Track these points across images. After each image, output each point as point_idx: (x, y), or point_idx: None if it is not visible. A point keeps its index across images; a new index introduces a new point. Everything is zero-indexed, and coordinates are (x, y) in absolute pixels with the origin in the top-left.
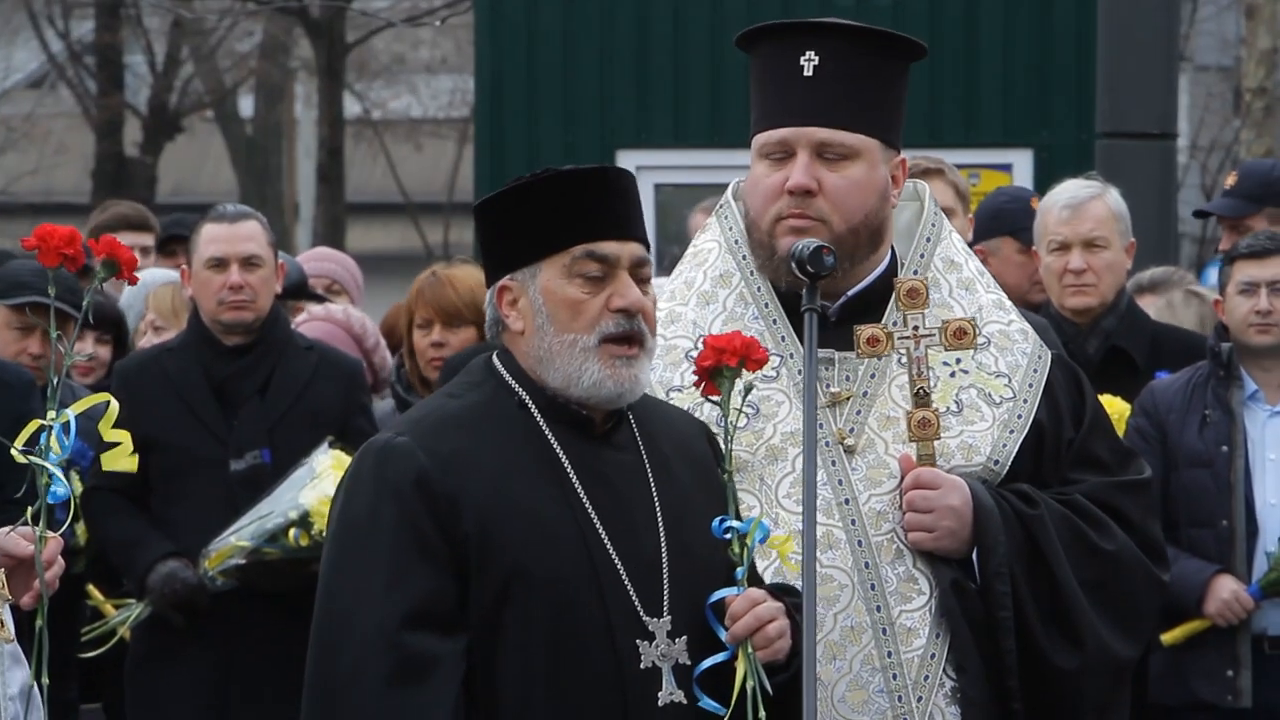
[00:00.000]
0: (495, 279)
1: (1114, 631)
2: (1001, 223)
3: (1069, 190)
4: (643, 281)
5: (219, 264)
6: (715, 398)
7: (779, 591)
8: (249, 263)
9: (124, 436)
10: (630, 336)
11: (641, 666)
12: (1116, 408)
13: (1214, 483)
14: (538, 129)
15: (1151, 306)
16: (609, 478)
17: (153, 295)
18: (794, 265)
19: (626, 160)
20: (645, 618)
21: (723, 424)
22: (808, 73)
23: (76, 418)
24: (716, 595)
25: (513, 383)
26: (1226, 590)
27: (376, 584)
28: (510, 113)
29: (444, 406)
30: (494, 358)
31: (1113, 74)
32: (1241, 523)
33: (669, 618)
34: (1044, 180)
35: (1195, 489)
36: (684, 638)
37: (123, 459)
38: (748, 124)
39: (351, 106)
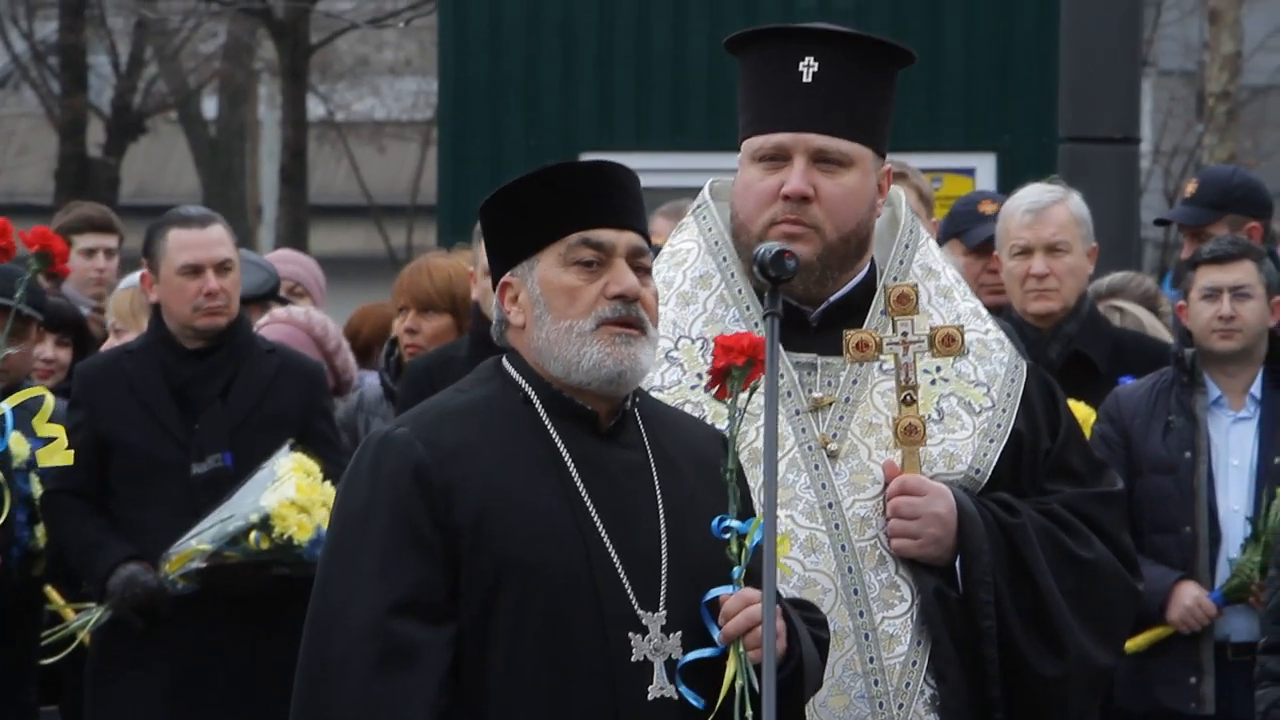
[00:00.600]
0: (498, 278)
1: (1093, 640)
2: (949, 224)
3: (1031, 195)
4: (642, 272)
5: (194, 270)
6: (726, 399)
7: (794, 605)
8: (222, 268)
9: (58, 431)
10: (628, 321)
11: (632, 660)
12: (1080, 413)
13: (1177, 489)
14: (501, 131)
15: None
16: (611, 473)
17: (113, 298)
18: (756, 269)
19: None
20: (639, 611)
21: (729, 424)
22: (806, 79)
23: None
24: (712, 593)
25: (519, 379)
26: (1189, 597)
27: (368, 573)
28: (474, 115)
29: (447, 401)
30: (503, 358)
31: (1075, 78)
32: (1204, 529)
33: (664, 613)
34: (1007, 184)
35: (1158, 495)
36: (679, 633)
37: (58, 454)
38: (709, 127)
39: (315, 108)
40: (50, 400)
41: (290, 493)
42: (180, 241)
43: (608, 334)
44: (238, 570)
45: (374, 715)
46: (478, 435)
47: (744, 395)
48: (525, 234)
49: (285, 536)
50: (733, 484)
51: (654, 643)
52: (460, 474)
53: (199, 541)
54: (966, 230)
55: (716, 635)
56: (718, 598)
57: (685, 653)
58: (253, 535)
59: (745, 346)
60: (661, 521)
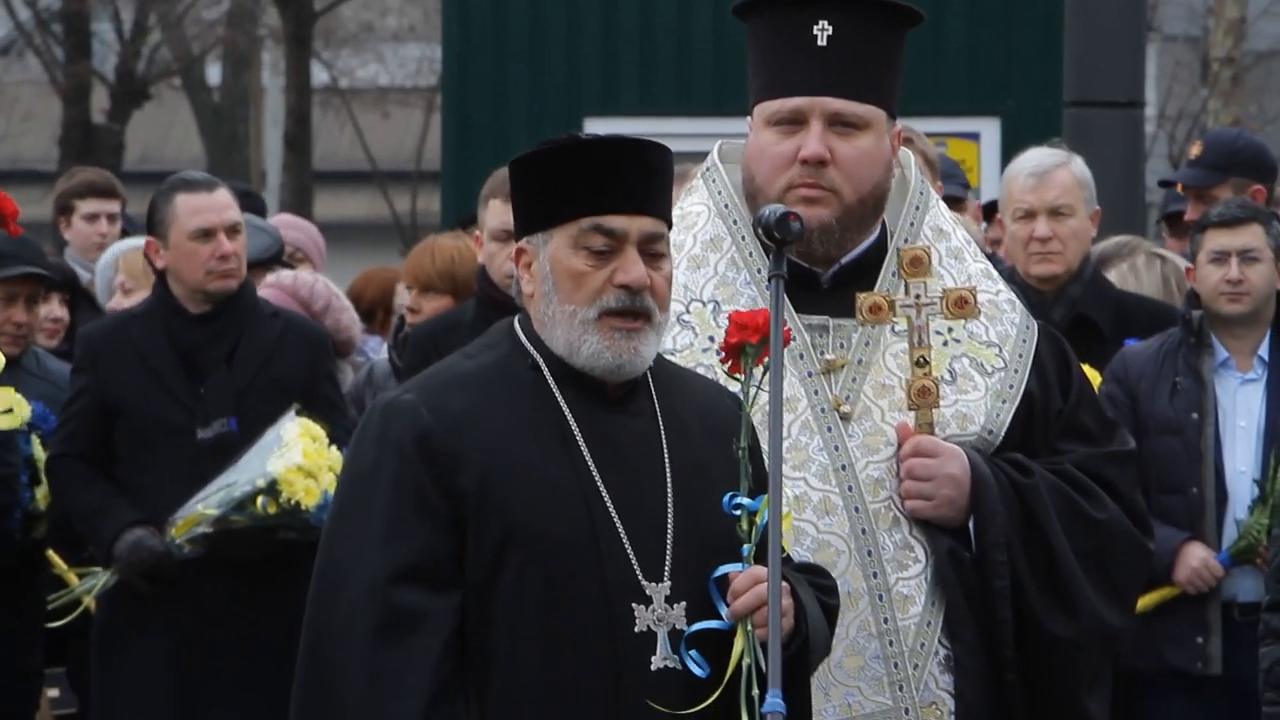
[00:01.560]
0: (518, 239)
1: (1106, 601)
2: None
3: (1034, 158)
4: (656, 257)
5: (206, 234)
6: (739, 375)
7: (802, 570)
8: (233, 230)
9: (6, 393)
10: (632, 312)
11: (636, 630)
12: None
13: (1184, 450)
14: (505, 97)
15: (1114, 272)
16: (618, 442)
17: (124, 258)
18: (760, 231)
19: (593, 128)
20: (644, 582)
21: (741, 400)
22: (821, 42)
23: (45, 385)
24: (720, 570)
25: (528, 345)
26: (1196, 558)
27: (374, 538)
28: (477, 81)
29: (455, 366)
30: (515, 321)
31: (1080, 42)
32: (1211, 490)
33: (669, 583)
34: (1011, 149)
35: (1165, 456)
36: (683, 604)
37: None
38: (714, 93)
39: (319, 75)
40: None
41: (297, 458)
42: (190, 206)
43: (609, 326)
44: (244, 535)
45: (378, 680)
46: (485, 402)
47: (757, 372)
48: (543, 206)
49: (292, 501)
50: (745, 461)
51: (658, 613)
52: (466, 441)
53: (205, 506)
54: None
55: (724, 612)
56: (726, 574)
57: (690, 624)
58: (260, 500)
59: (760, 324)
60: (669, 491)
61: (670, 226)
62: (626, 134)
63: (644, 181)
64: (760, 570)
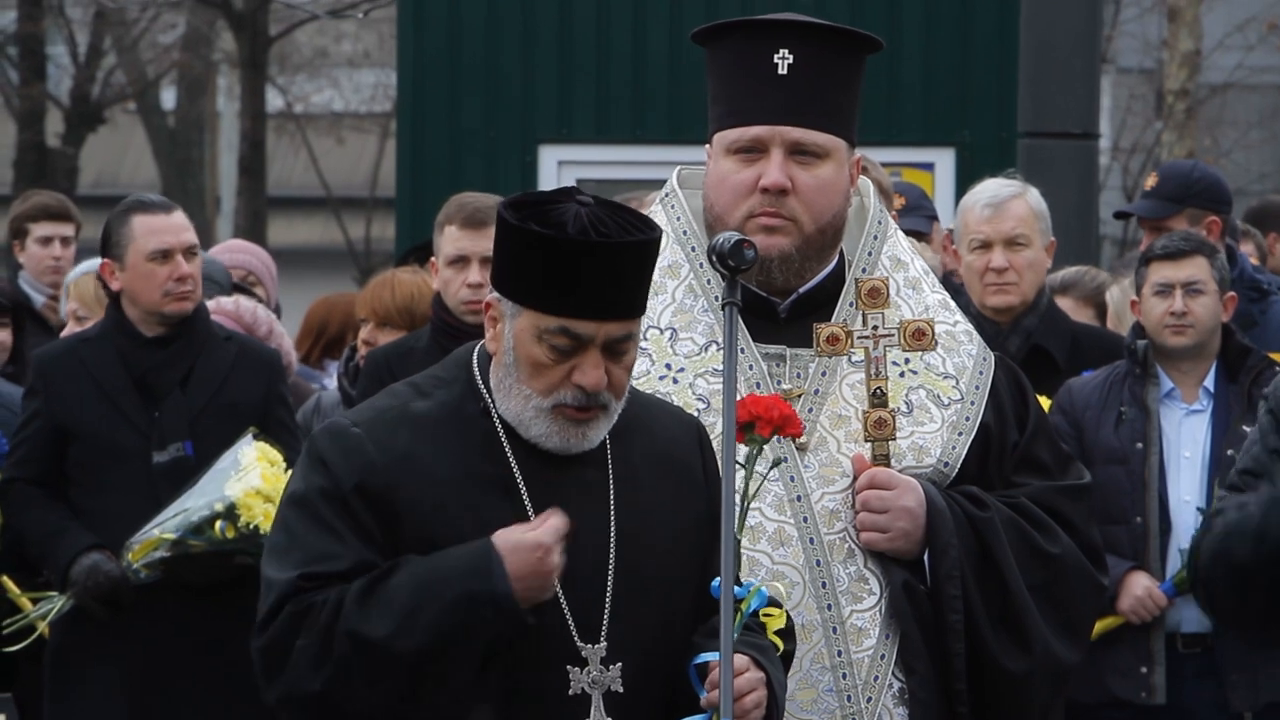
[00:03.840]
0: (493, 283)
1: (1058, 635)
2: None
3: (990, 189)
4: (619, 354)
5: (164, 255)
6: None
7: (751, 647)
8: (190, 252)
9: None
10: (585, 408)
11: (570, 693)
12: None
13: (1129, 479)
14: (460, 124)
15: (1116, 289)
16: (563, 495)
17: (74, 284)
18: (714, 259)
19: (548, 155)
20: (580, 643)
21: (742, 488)
22: (782, 70)
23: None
24: (701, 658)
25: (482, 388)
26: (1140, 587)
27: (311, 558)
28: (432, 107)
29: (408, 404)
30: (474, 354)
31: (1035, 74)
32: (1155, 520)
33: (605, 644)
34: (965, 179)
35: (1110, 485)
36: (619, 665)
37: None
38: (669, 121)
39: (274, 100)
40: None
41: (255, 482)
42: (148, 227)
43: (561, 415)
44: (201, 560)
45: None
46: (431, 446)
47: (762, 464)
48: (517, 280)
49: (251, 526)
50: (727, 557)
51: (593, 675)
52: (408, 483)
53: (162, 530)
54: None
55: (702, 698)
56: (707, 663)
57: (625, 684)
58: (218, 524)
59: (775, 418)
60: (612, 548)
61: (643, 313)
62: (617, 204)
63: (621, 287)
64: (740, 661)
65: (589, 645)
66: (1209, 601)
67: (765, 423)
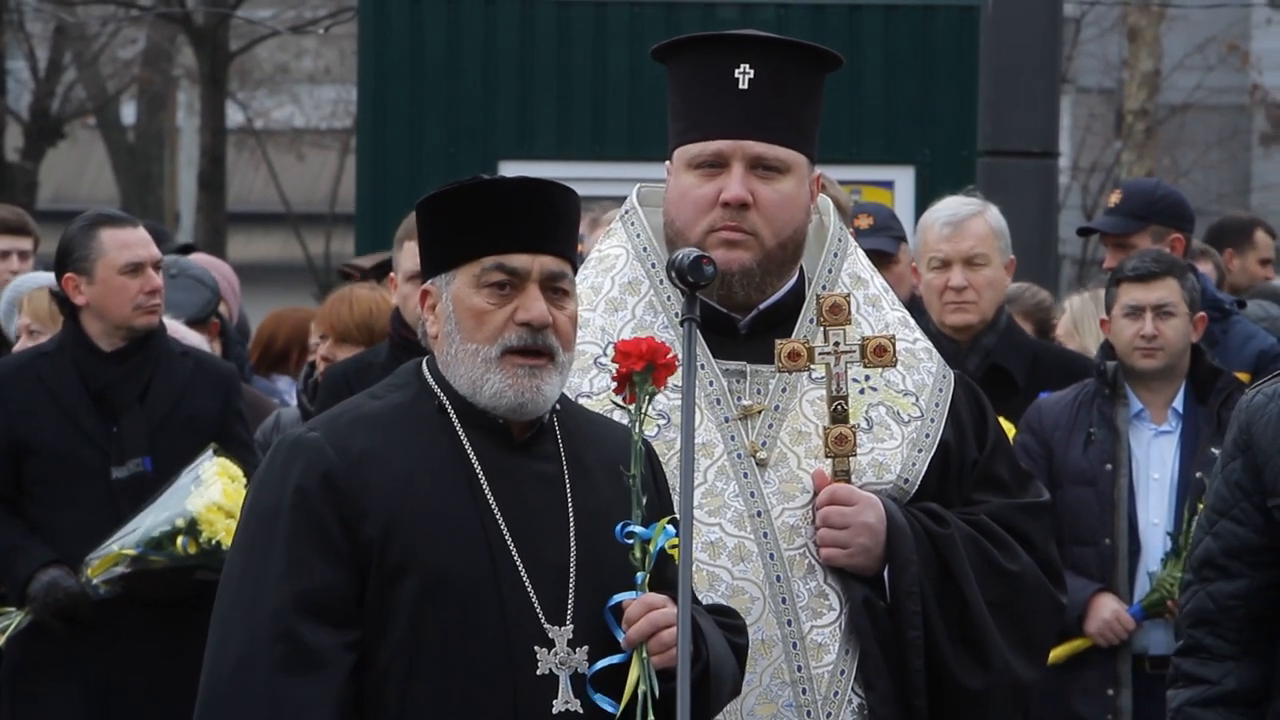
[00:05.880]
0: (424, 281)
1: (1017, 653)
2: None
3: (950, 207)
4: (559, 294)
5: (135, 269)
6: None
7: (711, 610)
8: (158, 266)
9: None
10: (535, 350)
11: (538, 673)
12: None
13: (1097, 501)
14: (420, 140)
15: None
16: (522, 486)
17: (28, 299)
18: (674, 275)
19: (509, 171)
20: (546, 625)
21: (632, 430)
22: (743, 85)
23: None
24: (615, 599)
25: (435, 387)
26: (1108, 610)
27: (273, 574)
28: (393, 124)
29: (362, 406)
30: (423, 363)
31: (994, 93)
32: (1124, 542)
33: (571, 626)
34: (925, 198)
35: (1079, 507)
36: (585, 647)
37: None
38: (629, 137)
39: (234, 115)
40: None
41: (216, 496)
42: (119, 240)
43: (511, 364)
44: (161, 575)
45: (276, 718)
46: (390, 443)
47: (646, 399)
48: (446, 247)
49: (212, 541)
50: (636, 489)
51: (560, 656)
52: (370, 481)
53: (122, 546)
54: None
55: (622, 639)
56: (621, 603)
57: (591, 665)
58: (180, 540)
59: (643, 351)
60: (572, 535)
61: (575, 268)
62: (534, 175)
63: (546, 221)
64: (652, 597)
65: (555, 627)
66: None
67: (635, 357)
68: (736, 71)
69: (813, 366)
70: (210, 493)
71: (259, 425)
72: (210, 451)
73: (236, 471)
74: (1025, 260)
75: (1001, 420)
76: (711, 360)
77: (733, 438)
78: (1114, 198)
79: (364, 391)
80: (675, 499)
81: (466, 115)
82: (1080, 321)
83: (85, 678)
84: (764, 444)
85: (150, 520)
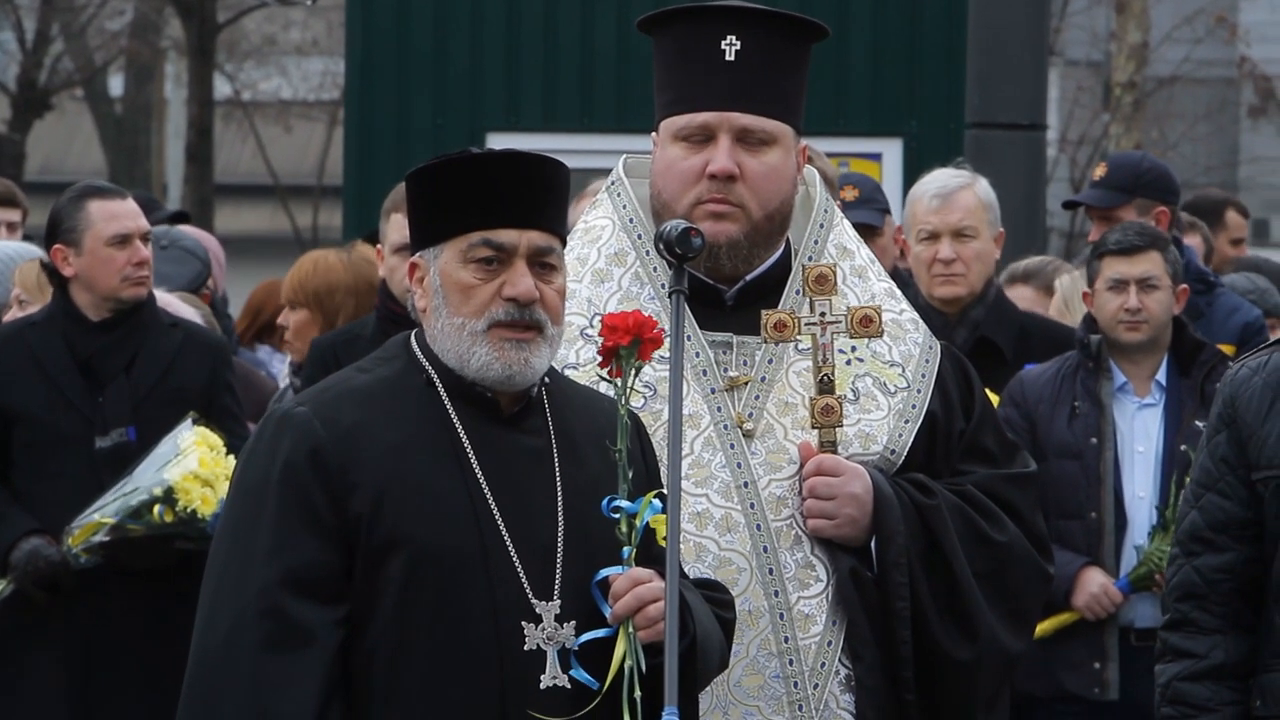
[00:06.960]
0: (412, 254)
1: (1004, 624)
2: None
3: (938, 180)
4: (547, 269)
5: (123, 240)
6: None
7: (698, 585)
8: (146, 238)
9: None
10: (523, 324)
11: (525, 648)
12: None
13: (1083, 474)
14: (408, 112)
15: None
16: (510, 460)
17: (18, 270)
18: (661, 246)
19: (496, 143)
20: (534, 600)
21: (617, 402)
22: (729, 57)
23: None
24: (602, 574)
25: (423, 360)
26: (1095, 583)
27: (262, 550)
28: (380, 95)
29: (350, 380)
30: (411, 336)
31: (982, 65)
32: (1110, 515)
33: (559, 602)
34: (913, 170)
35: (1064, 480)
36: (573, 622)
37: None
38: (617, 109)
39: (221, 87)
40: None
41: (194, 466)
42: (107, 212)
43: (498, 337)
44: (141, 544)
45: (263, 694)
46: (378, 417)
47: (633, 373)
48: (434, 221)
49: (189, 510)
50: (623, 463)
51: (548, 631)
52: (358, 455)
53: (102, 515)
54: None
55: (608, 614)
56: (608, 578)
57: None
58: (156, 508)
59: (630, 325)
60: (560, 509)
61: (564, 242)
62: (524, 149)
63: (535, 195)
64: (639, 572)
65: (543, 602)
66: None
67: (622, 331)
68: (723, 43)
69: (799, 337)
70: (187, 462)
71: (253, 399)
72: (189, 421)
73: (216, 441)
74: (1013, 233)
75: (989, 393)
76: (698, 331)
77: (719, 409)
78: (1099, 171)
79: (352, 365)
80: (663, 470)
81: (454, 87)
82: (1071, 300)
83: (67, 646)
84: (750, 415)
85: (129, 489)
